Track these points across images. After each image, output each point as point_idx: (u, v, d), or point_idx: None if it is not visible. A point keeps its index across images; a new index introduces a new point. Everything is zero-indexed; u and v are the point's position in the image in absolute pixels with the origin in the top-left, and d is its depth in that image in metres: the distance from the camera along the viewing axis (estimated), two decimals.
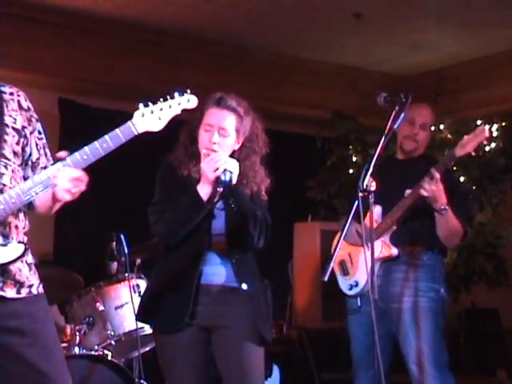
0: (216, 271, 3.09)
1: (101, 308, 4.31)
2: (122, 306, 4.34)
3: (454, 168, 5.56)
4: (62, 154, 2.46)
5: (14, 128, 2.57)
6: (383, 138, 3.20)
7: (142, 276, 4.45)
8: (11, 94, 2.62)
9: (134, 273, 4.43)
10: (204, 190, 3.01)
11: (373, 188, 3.08)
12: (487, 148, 6.40)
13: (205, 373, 3.12)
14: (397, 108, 3.25)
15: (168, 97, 2.50)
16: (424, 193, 3.56)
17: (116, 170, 5.91)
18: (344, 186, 6.55)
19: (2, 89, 2.62)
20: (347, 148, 6.86)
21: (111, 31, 6.22)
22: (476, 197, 6.22)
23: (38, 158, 2.63)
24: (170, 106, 2.48)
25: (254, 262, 3.20)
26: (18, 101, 2.62)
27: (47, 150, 2.68)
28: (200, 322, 3.07)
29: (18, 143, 2.58)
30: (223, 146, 3.08)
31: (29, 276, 2.56)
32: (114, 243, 4.45)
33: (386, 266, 3.77)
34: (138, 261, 4.52)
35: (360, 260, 3.81)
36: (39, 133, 2.66)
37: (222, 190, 3.00)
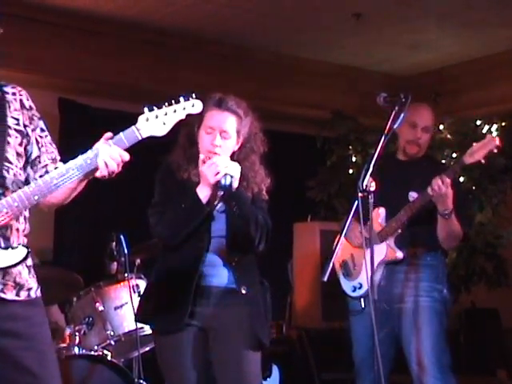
0: (216, 273, 3.09)
1: (100, 308, 4.30)
2: (121, 306, 4.34)
3: None
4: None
5: (16, 129, 2.56)
6: (383, 138, 3.21)
7: (142, 276, 4.44)
8: (13, 94, 2.61)
9: (134, 273, 4.43)
10: (204, 193, 3.00)
11: (372, 188, 3.08)
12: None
13: (204, 373, 3.11)
14: (397, 108, 3.26)
15: (173, 101, 2.46)
16: (431, 192, 3.55)
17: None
18: (344, 186, 6.55)
19: (5, 89, 2.61)
20: (347, 148, 6.86)
21: (111, 31, 6.22)
22: (476, 197, 6.22)
23: (39, 156, 2.61)
24: (174, 111, 2.45)
25: (254, 263, 3.20)
26: (21, 100, 2.61)
27: (51, 147, 2.64)
28: (199, 322, 3.07)
29: (20, 144, 2.57)
30: (225, 149, 3.08)
31: (28, 279, 2.55)
32: (114, 243, 4.45)
33: (390, 267, 3.77)
34: (138, 261, 4.52)
35: (364, 262, 3.81)
36: (42, 130, 2.64)
37: (222, 193, 3.00)
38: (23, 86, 2.76)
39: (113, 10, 5.85)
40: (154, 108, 2.44)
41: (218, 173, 2.95)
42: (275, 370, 5.13)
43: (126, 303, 4.31)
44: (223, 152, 3.06)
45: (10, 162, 2.52)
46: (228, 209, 3.07)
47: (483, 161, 3.53)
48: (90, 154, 2.42)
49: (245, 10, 5.90)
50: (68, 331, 4.23)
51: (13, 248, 2.47)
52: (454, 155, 6.23)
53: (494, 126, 6.43)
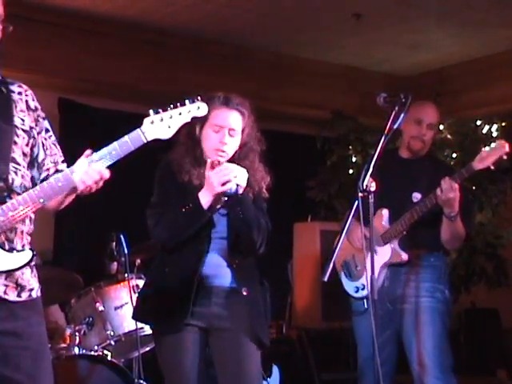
0: (216, 273, 3.08)
1: (100, 308, 4.30)
2: (121, 306, 4.33)
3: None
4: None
5: (23, 130, 2.55)
6: (383, 138, 3.20)
7: (142, 276, 4.43)
8: (19, 93, 2.60)
9: (134, 273, 4.42)
10: (206, 199, 2.98)
11: (373, 188, 3.08)
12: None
13: (204, 373, 3.11)
14: (397, 108, 3.25)
15: (178, 103, 2.44)
16: (440, 193, 3.54)
17: (116, 170, 5.89)
18: (344, 186, 6.54)
19: (11, 87, 2.59)
20: (347, 148, 6.86)
21: (111, 31, 6.22)
22: (476, 197, 6.21)
23: (44, 159, 2.61)
24: (180, 114, 2.43)
25: (255, 264, 3.20)
26: (26, 101, 2.60)
27: (55, 148, 2.64)
28: (199, 322, 3.06)
29: (27, 144, 2.56)
30: (232, 147, 3.08)
31: (30, 279, 2.55)
32: (114, 243, 4.45)
33: (393, 268, 3.77)
34: (138, 261, 4.51)
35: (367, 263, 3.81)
36: (46, 131, 2.64)
37: (226, 199, 2.99)
38: None
39: (113, 10, 5.85)
40: (160, 111, 2.41)
41: (226, 182, 2.93)
42: (275, 370, 5.12)
43: (126, 303, 4.31)
44: (230, 150, 3.07)
45: (18, 163, 2.52)
46: (232, 213, 3.06)
47: (493, 167, 3.50)
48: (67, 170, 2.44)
49: (245, 10, 5.90)
50: (68, 331, 4.23)
51: (18, 251, 2.46)
52: (454, 155, 6.24)
53: (494, 126, 6.43)
